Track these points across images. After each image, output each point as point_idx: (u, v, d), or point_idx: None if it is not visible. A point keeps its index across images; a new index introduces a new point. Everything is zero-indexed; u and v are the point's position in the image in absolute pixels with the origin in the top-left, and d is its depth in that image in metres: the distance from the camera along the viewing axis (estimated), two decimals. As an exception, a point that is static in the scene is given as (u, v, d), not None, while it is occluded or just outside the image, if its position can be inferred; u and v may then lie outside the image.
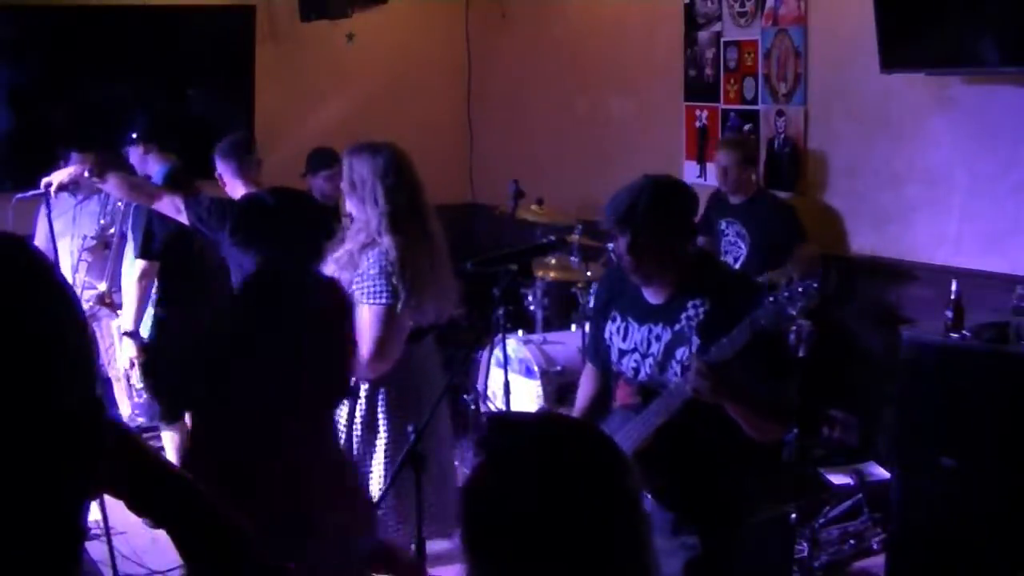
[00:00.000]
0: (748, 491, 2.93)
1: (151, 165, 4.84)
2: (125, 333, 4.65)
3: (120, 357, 4.69)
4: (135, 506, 1.03)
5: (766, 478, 4.48)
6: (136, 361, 4.65)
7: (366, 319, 3.17)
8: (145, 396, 4.70)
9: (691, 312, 2.65)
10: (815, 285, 2.40)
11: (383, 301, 3.19)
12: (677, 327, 2.67)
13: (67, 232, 5.04)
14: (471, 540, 1.20)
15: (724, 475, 2.77)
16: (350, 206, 3.39)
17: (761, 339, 2.48)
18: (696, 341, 2.62)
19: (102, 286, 4.87)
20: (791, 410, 2.82)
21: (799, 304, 2.39)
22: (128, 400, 5.14)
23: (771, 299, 2.43)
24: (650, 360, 2.74)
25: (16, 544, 0.77)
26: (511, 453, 1.22)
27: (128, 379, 4.69)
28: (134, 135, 4.86)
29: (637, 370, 2.78)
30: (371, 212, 3.26)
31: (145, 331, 4.70)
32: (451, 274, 3.47)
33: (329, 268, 3.28)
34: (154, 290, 4.70)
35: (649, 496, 2.67)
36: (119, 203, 4.84)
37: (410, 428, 2.74)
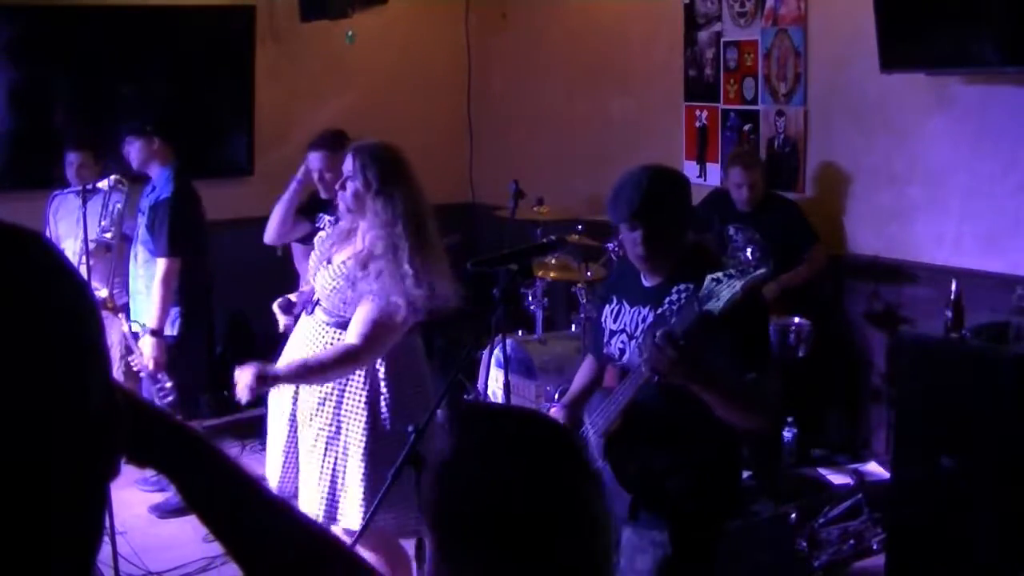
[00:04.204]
0: (723, 491, 2.86)
1: (153, 164, 4.76)
2: (150, 332, 4.57)
3: (143, 355, 4.60)
4: (135, 457, 1.03)
5: (760, 480, 4.50)
6: (159, 360, 4.57)
7: (372, 311, 3.16)
8: (170, 397, 4.63)
9: (674, 297, 2.67)
10: (762, 271, 2.49)
11: (397, 306, 3.15)
12: (660, 310, 2.69)
13: (71, 234, 5.03)
14: (436, 519, 1.28)
15: (693, 466, 2.73)
16: (355, 202, 3.30)
17: (734, 328, 2.49)
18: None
19: (104, 292, 4.85)
20: (768, 402, 2.83)
21: (738, 284, 2.39)
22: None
23: (714, 278, 2.44)
24: (635, 343, 2.77)
25: (41, 545, 0.76)
26: (477, 441, 1.30)
27: (152, 377, 4.61)
28: (148, 127, 4.73)
29: (623, 351, 2.81)
30: (393, 213, 3.16)
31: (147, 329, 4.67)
32: (448, 272, 3.44)
33: (341, 256, 3.29)
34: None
35: (614, 476, 2.72)
36: (118, 205, 4.81)
37: (410, 428, 2.73)
